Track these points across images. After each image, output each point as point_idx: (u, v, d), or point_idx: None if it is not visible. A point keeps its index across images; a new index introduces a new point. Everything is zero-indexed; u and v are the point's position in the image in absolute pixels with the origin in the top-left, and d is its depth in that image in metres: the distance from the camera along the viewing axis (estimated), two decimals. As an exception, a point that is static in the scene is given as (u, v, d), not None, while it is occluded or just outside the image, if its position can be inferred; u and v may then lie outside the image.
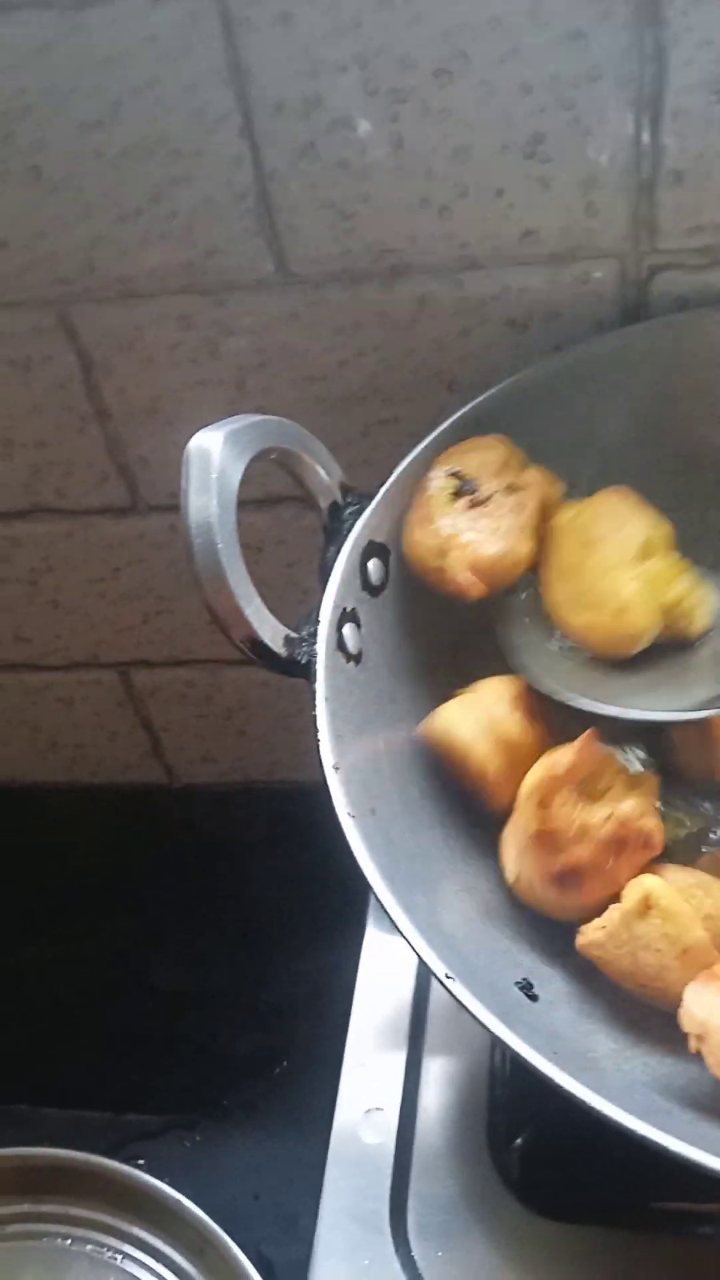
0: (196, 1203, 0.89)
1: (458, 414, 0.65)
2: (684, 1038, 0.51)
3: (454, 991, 0.45)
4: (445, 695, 0.64)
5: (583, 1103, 0.41)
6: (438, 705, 0.64)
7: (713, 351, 0.68)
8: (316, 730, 0.53)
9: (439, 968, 0.45)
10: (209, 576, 0.52)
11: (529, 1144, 0.60)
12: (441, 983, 0.45)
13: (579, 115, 0.61)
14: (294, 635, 0.56)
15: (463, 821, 0.61)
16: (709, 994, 0.47)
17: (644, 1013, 0.55)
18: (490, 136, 0.63)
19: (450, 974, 0.45)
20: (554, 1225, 0.59)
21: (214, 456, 0.52)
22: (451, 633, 0.66)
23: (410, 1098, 0.64)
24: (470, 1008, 0.44)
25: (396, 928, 0.46)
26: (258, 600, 0.54)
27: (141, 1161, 0.95)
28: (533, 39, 0.59)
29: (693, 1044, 0.47)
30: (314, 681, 0.55)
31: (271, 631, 0.55)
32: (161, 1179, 0.91)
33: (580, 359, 0.68)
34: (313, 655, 0.56)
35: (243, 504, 0.84)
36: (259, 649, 0.54)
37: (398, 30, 0.59)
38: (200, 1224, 0.88)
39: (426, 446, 0.64)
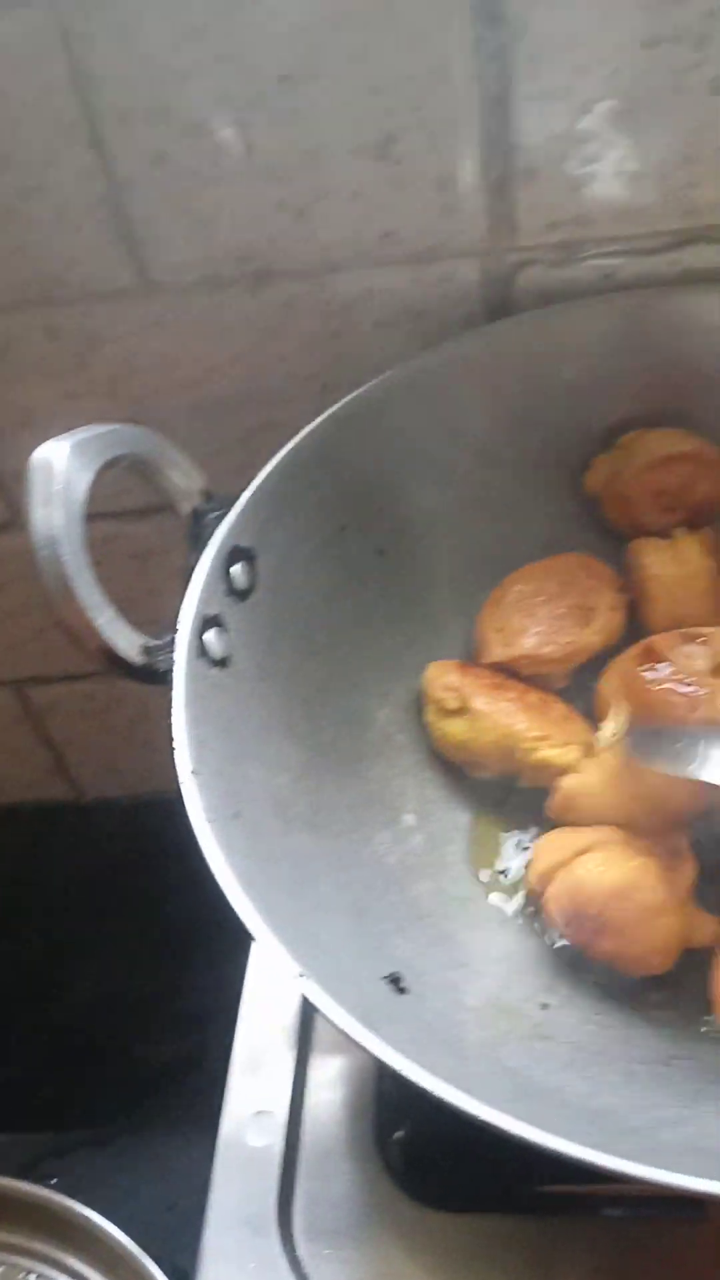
0: (110, 1217, 0.88)
1: (325, 414, 0.65)
2: (553, 1025, 0.52)
3: (304, 989, 0.45)
4: (318, 699, 0.64)
5: (424, 1089, 0.41)
6: (312, 708, 0.64)
7: (577, 344, 0.69)
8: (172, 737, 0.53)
9: (291, 966, 0.45)
10: (56, 589, 0.52)
11: (410, 1136, 0.61)
12: (297, 982, 0.45)
13: (428, 116, 0.62)
14: (153, 644, 0.56)
15: (337, 824, 0.61)
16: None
17: (516, 995, 0.56)
18: (342, 139, 0.63)
19: (303, 971, 0.45)
20: (441, 1216, 0.59)
21: (57, 468, 0.52)
22: (326, 635, 0.66)
23: (298, 1099, 0.64)
24: (318, 1003, 0.44)
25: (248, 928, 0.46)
26: (110, 611, 0.54)
27: (54, 1180, 0.94)
28: (377, 41, 0.59)
29: None
30: (171, 688, 0.54)
31: (127, 641, 0.55)
32: (75, 1196, 0.90)
33: (448, 356, 0.68)
34: (171, 663, 0.55)
35: (124, 514, 0.85)
36: (114, 660, 0.54)
37: (242, 37, 0.59)
38: (112, 1240, 0.87)
39: (292, 449, 0.64)
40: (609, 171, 0.63)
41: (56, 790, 1.11)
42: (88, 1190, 0.90)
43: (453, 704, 0.62)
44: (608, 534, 0.71)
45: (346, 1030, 0.44)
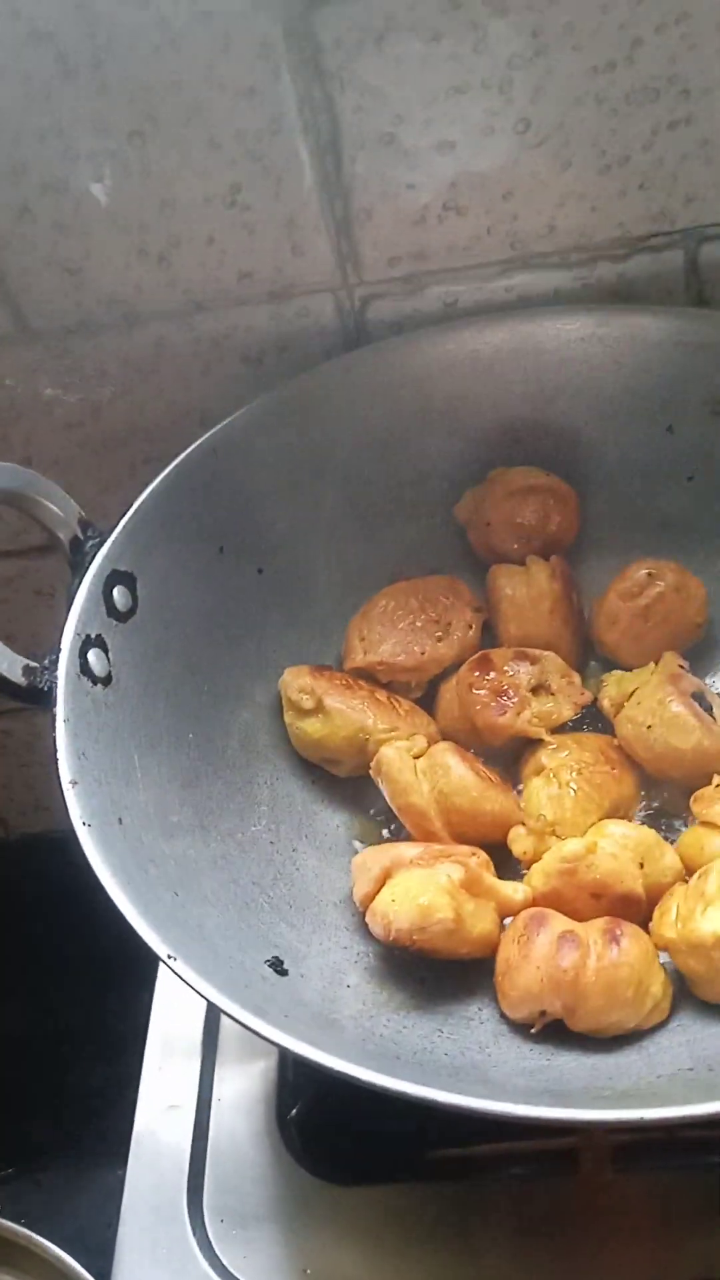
0: (52, 1239, 0.90)
1: (195, 444, 0.70)
2: (428, 995, 0.56)
3: (175, 969, 0.48)
4: (204, 712, 0.68)
5: (281, 1046, 0.45)
6: (199, 721, 0.68)
7: (428, 370, 0.74)
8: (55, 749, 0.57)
9: (160, 949, 0.49)
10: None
11: (304, 1113, 0.64)
12: (165, 962, 0.48)
13: (268, 165, 0.67)
14: (34, 665, 0.59)
15: (224, 825, 0.65)
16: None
17: (394, 975, 0.59)
18: (191, 189, 0.68)
19: (172, 953, 0.49)
20: (342, 1190, 0.63)
21: None
22: (210, 651, 0.70)
23: (206, 1091, 0.68)
24: (187, 979, 0.48)
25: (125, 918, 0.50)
26: (-11, 635, 0.58)
27: (-3, 1208, 0.96)
28: (212, 98, 0.64)
29: None
30: (54, 707, 0.58)
31: (9, 662, 0.58)
32: (18, 1221, 0.91)
33: (307, 385, 0.73)
34: (54, 682, 0.59)
35: (27, 551, 0.89)
36: (-3, 680, 0.58)
37: (87, 99, 0.64)
38: (56, 1260, 0.89)
39: (165, 478, 0.68)
40: (438, 208, 0.68)
41: (-18, 828, 1.13)
42: (28, 1215, 0.92)
43: (308, 704, 0.67)
44: (478, 559, 0.76)
45: (214, 1001, 0.47)
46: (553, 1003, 0.54)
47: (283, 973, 0.57)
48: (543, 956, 0.55)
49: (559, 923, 0.56)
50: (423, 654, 0.70)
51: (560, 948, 0.54)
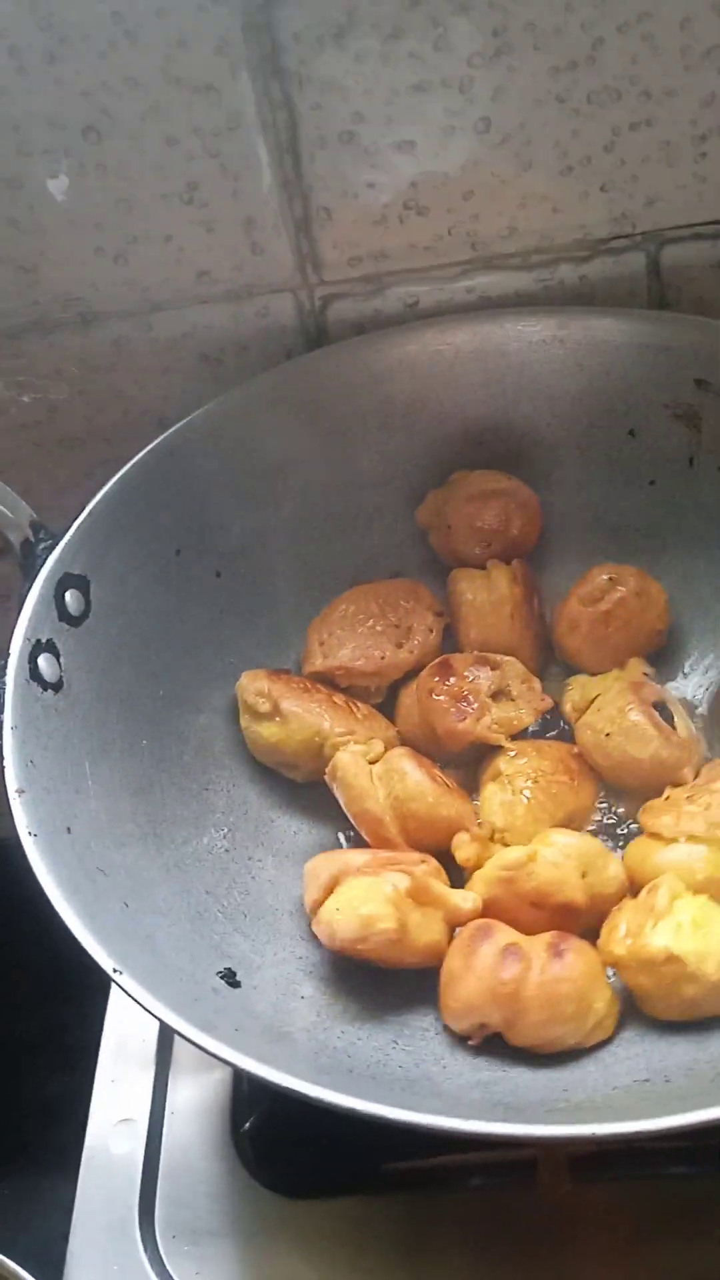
0: (5, 1252, 0.88)
1: (151, 445, 0.69)
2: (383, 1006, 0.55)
3: (121, 984, 0.47)
4: (159, 718, 0.67)
5: (240, 1067, 0.44)
6: (154, 727, 0.67)
7: (389, 371, 0.73)
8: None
9: (106, 962, 0.48)
10: None
11: (257, 1126, 0.63)
12: (110, 976, 0.47)
13: (226, 162, 0.66)
14: (-19, 670, 0.58)
15: (179, 834, 0.64)
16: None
17: (349, 985, 0.58)
18: (148, 187, 0.67)
19: (117, 967, 0.47)
20: (296, 1204, 0.62)
21: None
22: (166, 655, 0.69)
23: (159, 1104, 0.66)
24: (134, 995, 0.47)
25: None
26: (-65, 638, 0.56)
27: (-49, 1223, 0.94)
28: (169, 94, 0.63)
29: None
30: (1, 713, 0.57)
31: (-46, 668, 0.57)
32: (-29, 1235, 0.90)
33: (265, 386, 0.72)
34: (1, 688, 0.58)
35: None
36: (-58, 686, 0.56)
37: (41, 95, 0.63)
38: (10, 1273, 0.88)
39: (121, 479, 0.67)
40: (398, 208, 0.67)
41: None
42: (-17, 1229, 0.90)
43: (264, 707, 0.66)
44: (439, 562, 0.75)
45: (160, 1017, 0.46)
46: (492, 1015, 0.54)
47: (235, 984, 0.56)
48: (485, 968, 0.54)
49: (504, 935, 0.55)
50: (382, 658, 0.69)
51: (503, 960, 0.53)
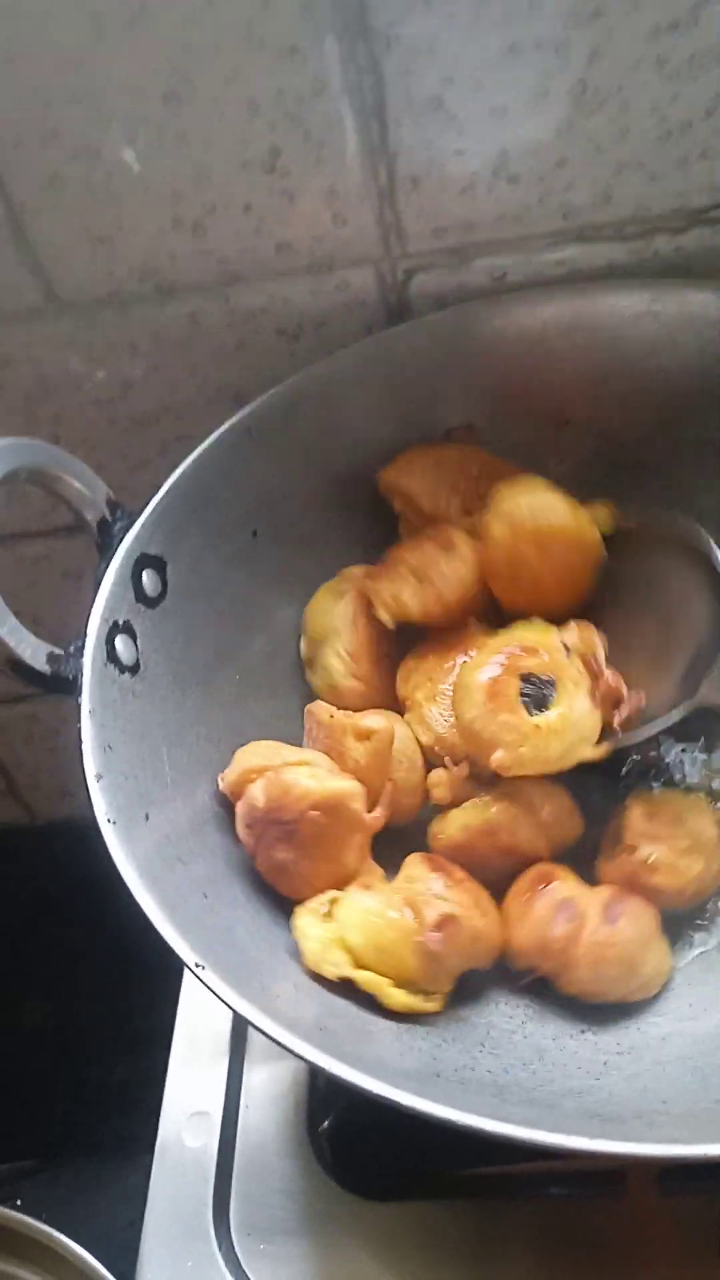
0: (72, 1236, 0.88)
1: (227, 424, 0.67)
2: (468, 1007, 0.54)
3: (204, 979, 0.46)
4: (234, 702, 0.65)
5: (329, 1071, 0.42)
6: (229, 712, 0.65)
7: (473, 347, 0.70)
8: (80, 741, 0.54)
9: (189, 957, 0.46)
10: (-43, 602, 0.53)
11: (336, 1125, 0.62)
12: (193, 971, 0.46)
13: (309, 129, 0.64)
14: (58, 652, 0.57)
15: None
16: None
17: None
18: (228, 155, 0.65)
19: (200, 962, 0.46)
20: (374, 1206, 0.60)
21: (-49, 482, 0.53)
22: (241, 638, 0.67)
23: (234, 1098, 0.65)
24: (216, 990, 0.45)
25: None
26: (13, 620, 0.55)
27: (19, 1202, 0.94)
28: (252, 58, 0.61)
29: None
30: (79, 696, 0.55)
31: (32, 650, 0.56)
32: (38, 1217, 0.90)
33: (346, 362, 0.70)
34: (79, 670, 0.56)
35: (53, 532, 0.86)
36: (20, 668, 0.55)
37: (121, 61, 0.61)
38: (76, 1258, 0.87)
39: (197, 459, 0.65)
40: (487, 176, 0.64)
41: (8, 813, 1.11)
42: (50, 1211, 0.90)
43: (342, 588, 0.68)
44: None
45: (244, 1015, 0.45)
46: (543, 964, 0.55)
47: (317, 980, 0.54)
48: (539, 920, 0.55)
49: (563, 888, 0.56)
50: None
51: (556, 916, 0.55)
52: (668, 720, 0.59)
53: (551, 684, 0.58)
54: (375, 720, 0.62)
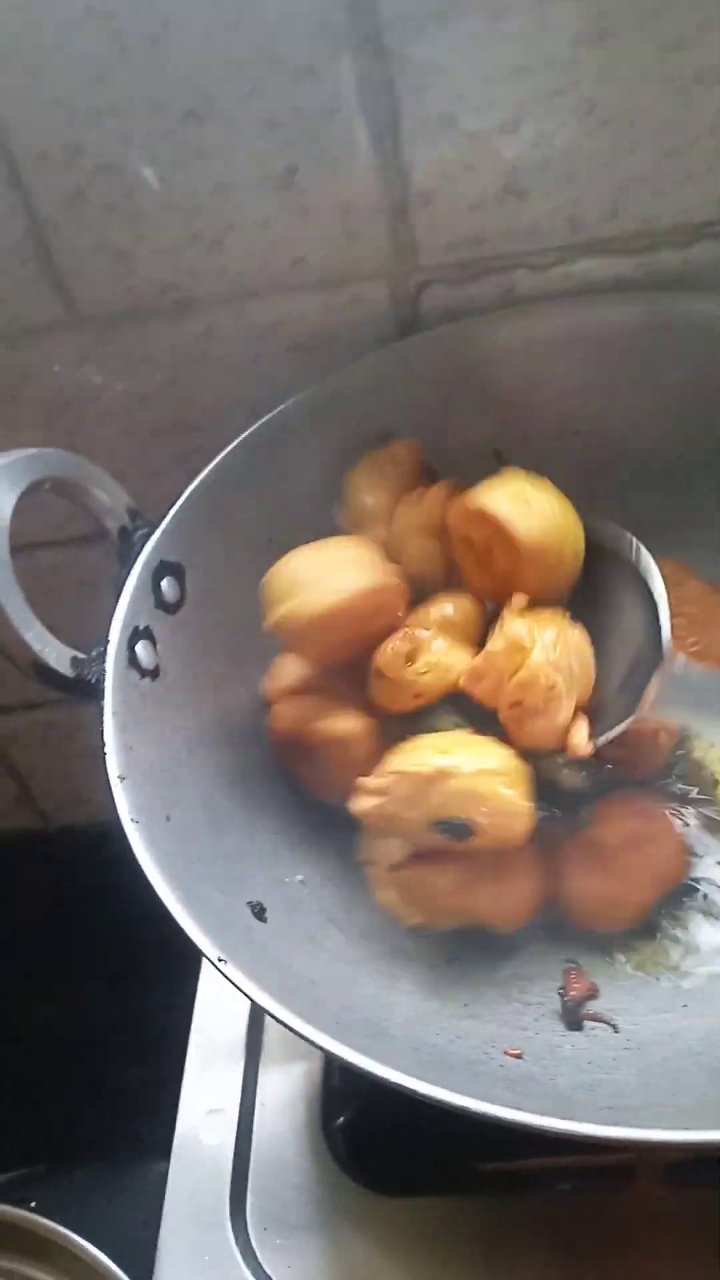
0: (88, 1237, 0.89)
1: (243, 435, 0.68)
2: (481, 1005, 0.55)
3: (226, 973, 0.47)
4: (251, 706, 0.67)
5: (359, 1066, 0.44)
6: (246, 715, 0.66)
7: (483, 358, 0.72)
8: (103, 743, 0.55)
9: (212, 951, 0.47)
10: (-14, 608, 0.54)
11: (351, 1121, 0.63)
12: (216, 966, 0.47)
13: (325, 146, 0.65)
14: (81, 656, 0.58)
15: (273, 824, 0.63)
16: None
17: (445, 982, 0.58)
18: (246, 171, 0.66)
19: (223, 956, 0.47)
20: (389, 1201, 0.61)
21: (-24, 491, 0.54)
22: (258, 644, 0.69)
23: (250, 1095, 0.66)
24: (237, 982, 0.46)
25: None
26: (39, 626, 0.56)
27: (33, 1204, 0.95)
28: (270, 77, 0.63)
29: None
30: (102, 699, 0.57)
31: (56, 654, 0.57)
32: (52, 1218, 0.91)
33: (358, 374, 0.71)
34: (102, 674, 0.58)
35: (70, 541, 0.88)
36: (45, 672, 0.56)
37: (143, 78, 0.63)
38: (91, 1259, 0.88)
39: (214, 468, 0.67)
40: (497, 191, 0.66)
41: (22, 819, 1.12)
42: (65, 1213, 0.91)
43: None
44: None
45: (268, 1008, 0.46)
46: None
47: (334, 976, 0.55)
48: None
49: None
50: None
51: None
52: (608, 736, 0.59)
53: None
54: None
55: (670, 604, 0.60)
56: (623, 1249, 0.59)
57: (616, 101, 0.64)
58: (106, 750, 0.55)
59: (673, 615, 0.60)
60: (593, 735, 0.58)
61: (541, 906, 0.59)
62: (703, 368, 0.70)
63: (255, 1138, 0.64)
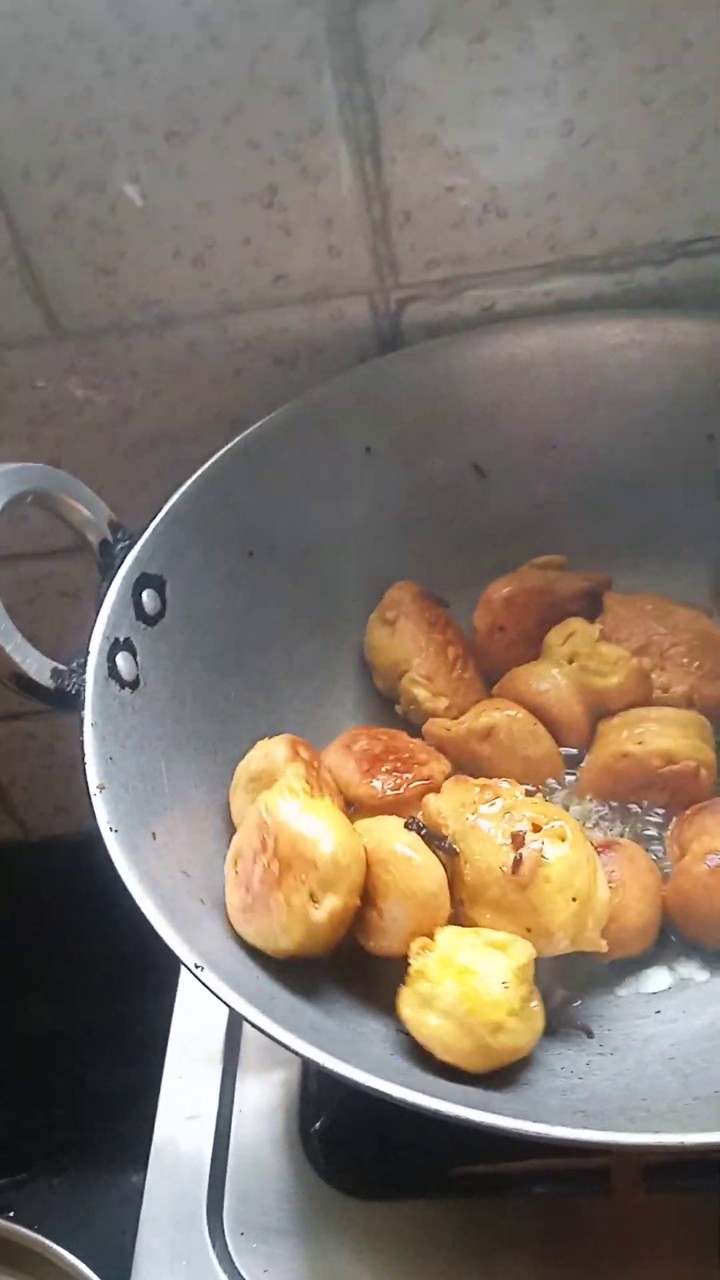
0: (66, 1245, 0.89)
1: (224, 449, 0.69)
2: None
3: (204, 980, 0.47)
4: (232, 715, 0.67)
5: (328, 1068, 0.44)
6: (227, 725, 0.67)
7: (463, 375, 0.73)
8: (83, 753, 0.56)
9: (189, 958, 0.48)
10: (-36, 620, 0.55)
11: (328, 1126, 0.63)
12: (193, 973, 0.47)
13: (306, 166, 0.66)
14: (62, 668, 0.59)
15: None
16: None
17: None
18: (228, 190, 0.67)
19: (200, 964, 0.48)
20: (365, 1205, 0.62)
21: (-40, 504, 0.55)
22: (239, 654, 0.69)
23: (228, 1102, 0.67)
24: (216, 990, 0.47)
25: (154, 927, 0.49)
26: (19, 637, 0.57)
27: (11, 1213, 0.95)
28: (253, 98, 0.64)
29: None
30: (83, 710, 0.57)
31: (37, 665, 0.57)
32: (31, 1226, 0.91)
33: (339, 389, 0.72)
34: (82, 685, 0.58)
35: (52, 553, 0.88)
36: (25, 683, 0.57)
37: (127, 97, 0.64)
38: (69, 1267, 0.88)
39: (195, 482, 0.67)
40: (478, 210, 0.67)
41: (3, 829, 1.13)
42: (43, 1220, 0.91)
43: (390, 615, 0.71)
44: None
45: (243, 1014, 0.46)
46: None
47: (309, 983, 0.56)
48: None
49: None
50: None
51: None
52: None
53: None
54: (490, 716, 0.65)
55: (665, 634, 0.64)
56: (599, 1252, 0.60)
57: (596, 122, 0.65)
58: (86, 760, 0.56)
59: (669, 645, 0.65)
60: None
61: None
62: (679, 382, 0.71)
63: (233, 1143, 0.65)
